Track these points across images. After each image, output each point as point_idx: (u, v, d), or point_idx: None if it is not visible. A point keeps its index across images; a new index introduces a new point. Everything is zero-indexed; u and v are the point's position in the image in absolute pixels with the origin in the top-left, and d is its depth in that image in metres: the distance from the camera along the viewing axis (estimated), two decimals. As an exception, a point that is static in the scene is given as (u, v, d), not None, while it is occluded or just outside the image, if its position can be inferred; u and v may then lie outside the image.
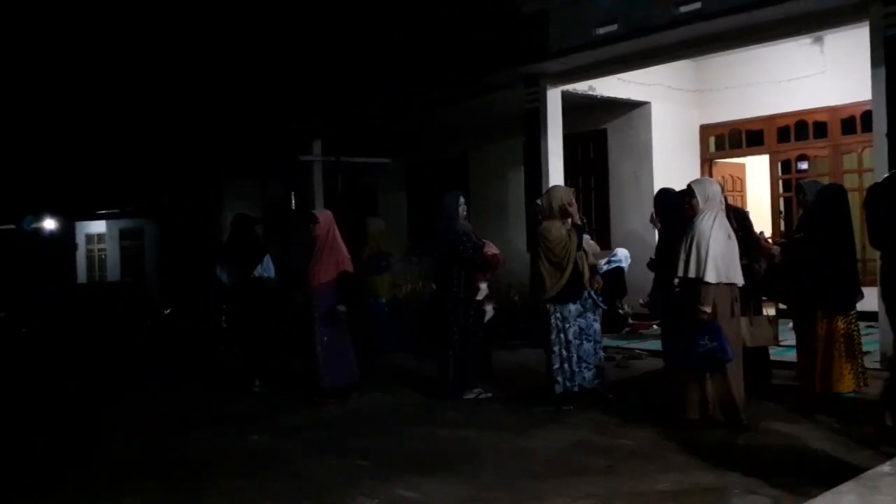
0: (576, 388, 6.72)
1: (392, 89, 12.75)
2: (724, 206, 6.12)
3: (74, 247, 24.98)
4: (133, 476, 5.44)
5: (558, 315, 6.71)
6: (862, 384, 6.60)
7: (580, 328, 6.76)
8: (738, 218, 6.99)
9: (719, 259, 5.77)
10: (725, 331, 5.73)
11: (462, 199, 7.58)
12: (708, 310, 5.74)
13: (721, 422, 5.82)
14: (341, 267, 7.58)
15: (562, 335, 6.70)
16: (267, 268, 8.76)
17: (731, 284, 5.85)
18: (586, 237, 7.07)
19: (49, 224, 24.56)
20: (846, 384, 6.53)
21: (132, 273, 22.25)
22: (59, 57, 15.20)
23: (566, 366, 6.68)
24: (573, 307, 6.74)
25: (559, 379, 6.68)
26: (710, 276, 5.73)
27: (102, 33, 14.30)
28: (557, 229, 6.72)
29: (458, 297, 7.32)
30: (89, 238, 25.22)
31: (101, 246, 25.01)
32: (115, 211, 22.97)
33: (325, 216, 7.86)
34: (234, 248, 8.60)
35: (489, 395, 7.29)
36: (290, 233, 11.94)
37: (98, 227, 24.81)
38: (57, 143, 18.59)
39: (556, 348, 6.70)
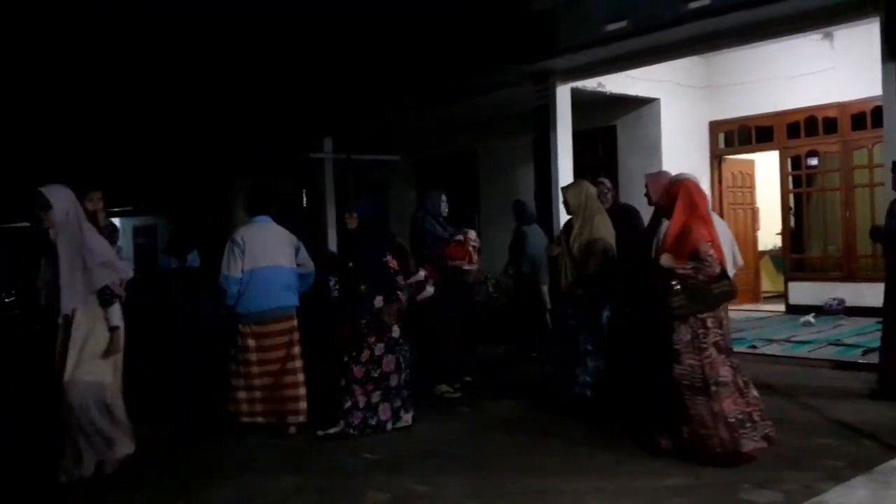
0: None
1: (402, 86, 12.77)
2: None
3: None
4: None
5: None
6: None
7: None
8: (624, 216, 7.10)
9: None
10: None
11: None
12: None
13: None
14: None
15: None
16: (194, 259, 11.28)
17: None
18: None
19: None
20: None
21: (146, 270, 22.32)
22: (71, 53, 15.31)
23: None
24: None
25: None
26: None
27: (114, 32, 14.41)
28: None
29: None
30: (102, 235, 25.34)
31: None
32: (129, 208, 23.07)
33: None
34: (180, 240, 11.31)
35: (457, 394, 7.27)
36: (300, 232, 12.03)
37: (111, 224, 24.92)
38: (70, 141, 18.69)
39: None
